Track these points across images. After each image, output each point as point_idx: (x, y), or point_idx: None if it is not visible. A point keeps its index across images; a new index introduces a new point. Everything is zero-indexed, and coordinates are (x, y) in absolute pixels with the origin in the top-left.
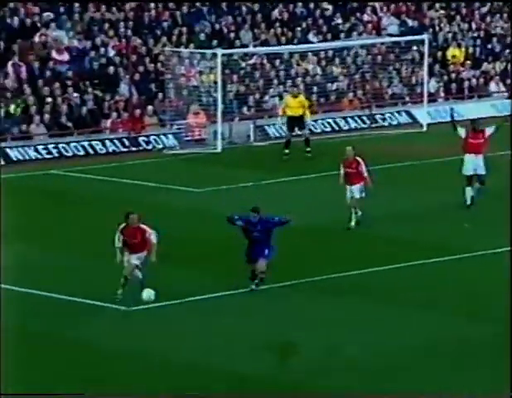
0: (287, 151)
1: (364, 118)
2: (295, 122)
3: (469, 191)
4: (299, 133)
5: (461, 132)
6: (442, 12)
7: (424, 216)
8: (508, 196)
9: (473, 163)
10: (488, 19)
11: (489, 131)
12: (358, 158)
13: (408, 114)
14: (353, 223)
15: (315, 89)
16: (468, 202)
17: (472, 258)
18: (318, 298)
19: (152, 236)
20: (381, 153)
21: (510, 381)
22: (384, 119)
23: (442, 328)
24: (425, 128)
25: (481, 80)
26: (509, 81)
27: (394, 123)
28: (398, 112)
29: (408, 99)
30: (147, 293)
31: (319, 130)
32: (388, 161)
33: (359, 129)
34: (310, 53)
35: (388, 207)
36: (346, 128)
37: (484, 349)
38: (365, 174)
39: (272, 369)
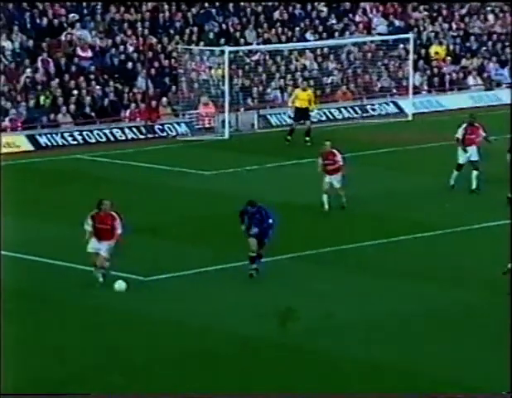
0: (289, 138)
1: (356, 108)
2: (301, 112)
3: (455, 175)
4: (301, 122)
5: (459, 133)
6: (426, 13)
7: (410, 196)
8: (493, 179)
9: (467, 153)
10: (466, 19)
11: (482, 132)
12: (334, 151)
13: (395, 104)
14: (343, 204)
15: (312, 82)
16: (452, 183)
17: (454, 233)
18: (313, 270)
19: (119, 226)
20: (371, 140)
21: (510, 380)
22: (373, 109)
23: (428, 296)
24: (410, 118)
25: (461, 75)
26: (485, 75)
27: (383, 113)
28: (386, 103)
29: (395, 91)
30: (119, 285)
31: (315, 119)
32: (377, 147)
33: (351, 118)
34: (307, 50)
35: (377, 188)
36: (340, 117)
37: (469, 314)
38: (341, 163)
39: (274, 332)
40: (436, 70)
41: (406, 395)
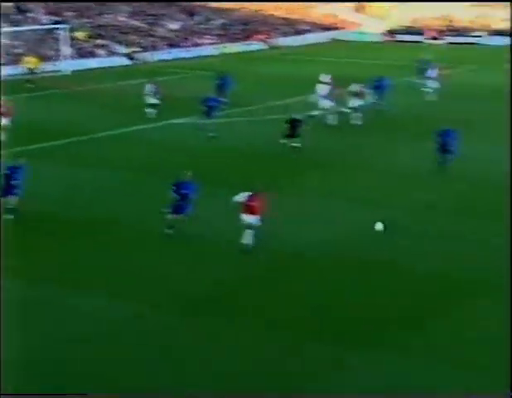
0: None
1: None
2: (31, 70)
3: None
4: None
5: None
6: (74, 13)
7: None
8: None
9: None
10: (97, 17)
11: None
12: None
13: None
14: None
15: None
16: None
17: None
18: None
19: None
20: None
21: (510, 380)
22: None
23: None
24: (69, 73)
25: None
26: (108, 50)
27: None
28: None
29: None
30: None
31: (39, 72)
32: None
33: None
34: None
35: (61, 115)
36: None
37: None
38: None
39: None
40: (78, 46)
41: (403, 395)
